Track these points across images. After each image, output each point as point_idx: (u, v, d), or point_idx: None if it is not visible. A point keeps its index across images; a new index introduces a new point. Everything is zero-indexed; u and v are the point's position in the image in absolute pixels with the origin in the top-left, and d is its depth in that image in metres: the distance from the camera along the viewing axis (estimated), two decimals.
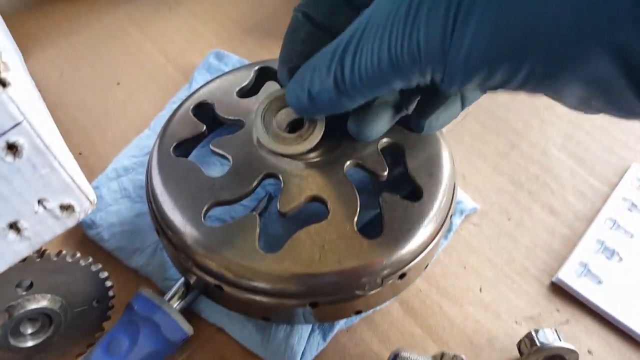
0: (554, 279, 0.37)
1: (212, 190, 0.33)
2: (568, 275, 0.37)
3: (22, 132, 0.23)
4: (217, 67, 0.50)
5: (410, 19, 0.21)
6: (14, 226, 0.26)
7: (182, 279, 0.34)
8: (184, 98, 0.43)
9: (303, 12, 0.28)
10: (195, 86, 0.48)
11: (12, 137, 0.23)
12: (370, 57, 0.23)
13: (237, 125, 0.36)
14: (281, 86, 0.32)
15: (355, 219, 0.31)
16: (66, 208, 0.27)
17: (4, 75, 0.22)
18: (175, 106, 0.43)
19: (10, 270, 0.27)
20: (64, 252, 0.30)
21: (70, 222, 0.27)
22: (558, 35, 0.18)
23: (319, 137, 0.32)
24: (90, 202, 0.28)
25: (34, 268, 0.29)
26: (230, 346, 0.35)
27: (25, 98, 0.25)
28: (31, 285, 0.30)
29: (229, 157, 0.34)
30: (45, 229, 0.27)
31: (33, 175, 0.25)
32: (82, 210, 0.28)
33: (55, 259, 0.30)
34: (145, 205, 0.40)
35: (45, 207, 0.26)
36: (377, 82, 0.24)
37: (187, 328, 0.32)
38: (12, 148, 0.24)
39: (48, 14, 0.58)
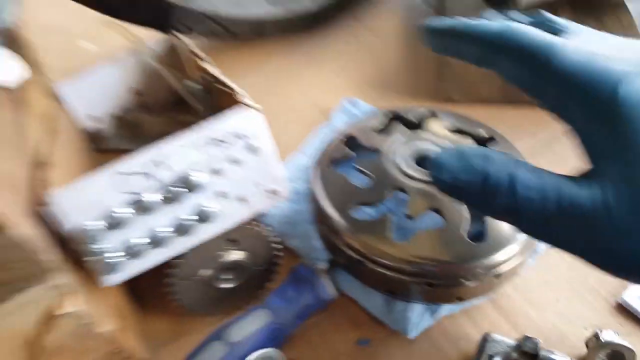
0: (619, 300, 0.46)
1: (357, 195, 0.45)
2: (631, 298, 0.45)
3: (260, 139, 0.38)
4: (350, 110, 0.63)
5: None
6: (242, 198, 0.40)
7: (327, 260, 0.46)
8: (325, 133, 0.57)
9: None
10: (334, 123, 0.62)
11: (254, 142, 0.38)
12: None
13: (374, 151, 0.49)
14: None
15: (466, 227, 0.42)
16: (274, 192, 0.41)
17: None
18: (316, 139, 0.56)
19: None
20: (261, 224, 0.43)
21: (274, 201, 0.41)
22: None
23: None
24: (287, 191, 0.42)
25: (240, 230, 0.42)
26: (361, 313, 0.46)
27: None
28: (236, 241, 0.43)
29: (370, 174, 0.46)
30: (259, 203, 0.41)
31: (258, 166, 0.39)
32: (282, 195, 0.41)
33: (255, 228, 0.43)
34: (298, 205, 0.53)
35: (263, 189, 0.40)
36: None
37: (333, 291, 0.44)
38: (252, 148, 0.38)
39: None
